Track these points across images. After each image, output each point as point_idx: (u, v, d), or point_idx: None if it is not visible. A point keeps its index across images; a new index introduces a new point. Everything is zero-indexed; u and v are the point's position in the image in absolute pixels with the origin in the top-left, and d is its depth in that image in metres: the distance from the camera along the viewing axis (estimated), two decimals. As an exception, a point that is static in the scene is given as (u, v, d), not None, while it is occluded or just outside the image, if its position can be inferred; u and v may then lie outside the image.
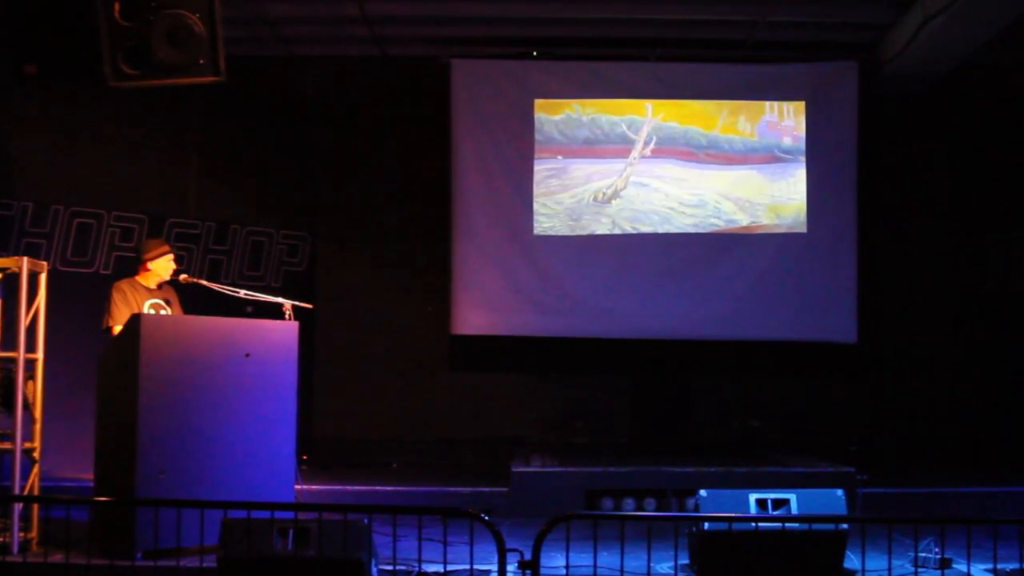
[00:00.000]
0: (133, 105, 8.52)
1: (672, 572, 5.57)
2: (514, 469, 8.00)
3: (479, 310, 9.67)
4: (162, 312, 6.61)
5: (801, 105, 9.73)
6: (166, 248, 6.86)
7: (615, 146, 9.77)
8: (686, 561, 5.68)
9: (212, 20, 6.38)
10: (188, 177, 9.30)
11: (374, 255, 10.28)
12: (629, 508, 7.83)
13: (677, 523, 5.70)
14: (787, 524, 5.28)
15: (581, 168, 9.77)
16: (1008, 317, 9.93)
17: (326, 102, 10.26)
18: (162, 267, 6.74)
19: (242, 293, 6.90)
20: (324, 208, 10.32)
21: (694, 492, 5.74)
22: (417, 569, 5.36)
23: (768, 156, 9.75)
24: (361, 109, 10.33)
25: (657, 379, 10.18)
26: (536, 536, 4.83)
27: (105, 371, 6.22)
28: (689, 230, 9.74)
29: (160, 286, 6.77)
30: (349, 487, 7.85)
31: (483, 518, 4.86)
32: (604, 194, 9.75)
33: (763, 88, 9.75)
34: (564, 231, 9.75)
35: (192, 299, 7.06)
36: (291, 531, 4.94)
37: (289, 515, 5.22)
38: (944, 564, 5.55)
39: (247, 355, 6.05)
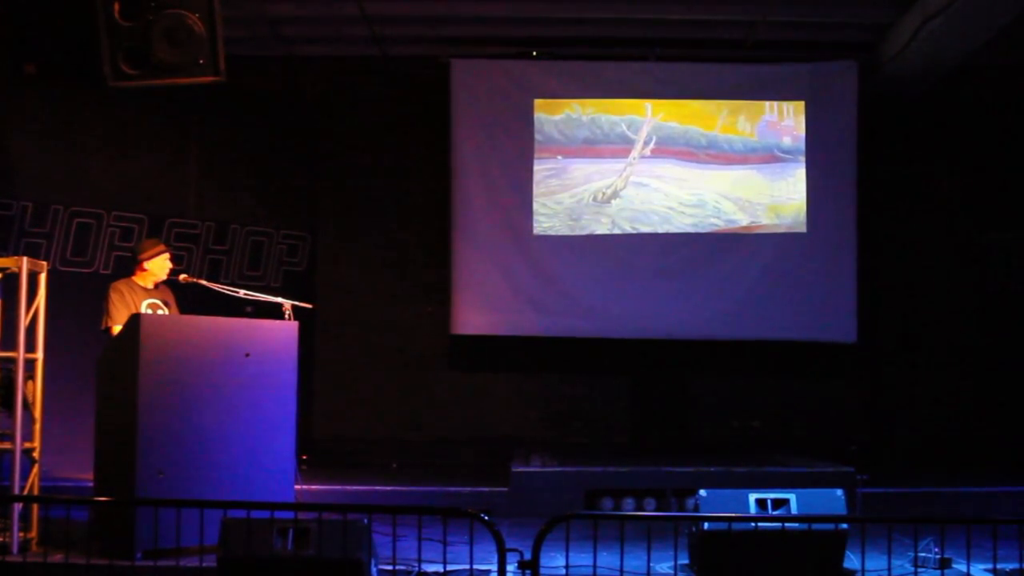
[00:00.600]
0: (133, 105, 8.53)
1: (672, 572, 5.57)
2: (514, 469, 8.00)
3: (479, 310, 9.67)
4: (159, 312, 6.61)
5: (801, 105, 9.73)
6: (162, 248, 6.86)
7: (615, 146, 9.77)
8: (686, 561, 5.68)
9: (212, 20, 6.39)
10: (188, 177, 9.30)
11: (374, 255, 10.29)
12: (629, 508, 7.83)
13: (677, 523, 5.69)
14: (787, 524, 5.28)
15: (581, 168, 9.77)
16: (1008, 317, 9.93)
17: (326, 102, 10.27)
18: (159, 267, 6.74)
19: (242, 293, 6.90)
20: (324, 208, 10.33)
21: (694, 492, 5.74)
22: (417, 569, 5.36)
23: (768, 156, 9.75)
24: (361, 109, 10.34)
25: (657, 379, 10.18)
26: (536, 536, 4.82)
27: (105, 371, 6.22)
28: (689, 230, 9.74)
29: (157, 286, 6.77)
30: (349, 487, 7.86)
31: (483, 518, 4.85)
32: (604, 194, 9.75)
33: (763, 88, 9.75)
34: (564, 231, 9.75)
35: (192, 299, 7.07)
36: (291, 531, 4.94)
37: (289, 515, 5.22)
38: (944, 564, 5.55)
39: (247, 355, 6.05)
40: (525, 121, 9.76)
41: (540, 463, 8.27)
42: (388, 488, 7.95)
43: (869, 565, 5.45)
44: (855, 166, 9.59)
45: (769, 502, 5.51)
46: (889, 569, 5.14)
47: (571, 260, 9.69)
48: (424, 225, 10.17)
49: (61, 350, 6.81)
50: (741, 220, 9.75)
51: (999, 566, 5.25)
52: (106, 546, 5.71)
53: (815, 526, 5.30)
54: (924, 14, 8.25)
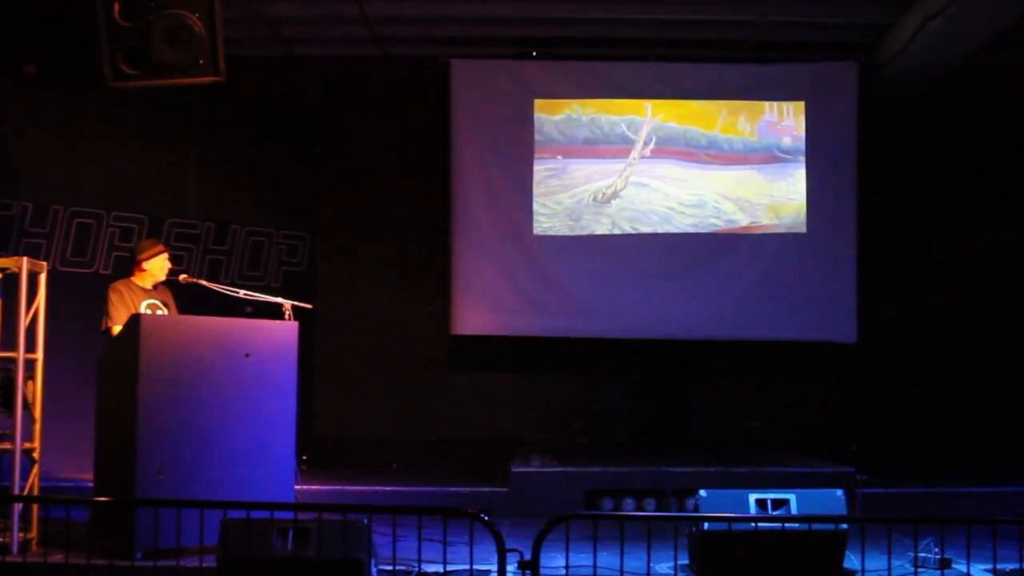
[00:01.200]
0: (133, 105, 8.53)
1: (672, 572, 5.58)
2: (514, 469, 8.01)
3: (479, 310, 9.67)
4: (159, 313, 6.60)
5: (801, 105, 9.73)
6: (161, 248, 6.86)
7: (615, 146, 9.77)
8: (686, 561, 5.68)
9: (212, 20, 6.38)
10: (188, 177, 9.30)
11: (374, 255, 10.28)
12: (629, 508, 7.83)
13: (677, 523, 5.70)
14: (787, 524, 5.28)
15: (581, 168, 9.77)
16: (1008, 317, 9.93)
17: (326, 102, 10.26)
18: (158, 267, 6.74)
19: (242, 293, 6.90)
20: (324, 208, 10.33)
21: (694, 492, 5.74)
22: (417, 569, 5.36)
23: (768, 156, 9.75)
24: (361, 109, 10.33)
25: (657, 379, 10.18)
26: (536, 536, 4.83)
27: (105, 371, 6.22)
28: (689, 230, 9.74)
29: (156, 287, 6.77)
30: (349, 487, 7.86)
31: (483, 518, 4.86)
32: (604, 194, 9.75)
33: (763, 88, 9.74)
34: (564, 231, 9.75)
35: (192, 299, 7.06)
36: (291, 531, 4.94)
37: (289, 515, 5.22)
38: (944, 564, 5.55)
39: (247, 355, 6.05)
40: (525, 121, 9.76)
41: (540, 463, 8.28)
42: (388, 488, 7.95)
43: (869, 565, 5.45)
44: (855, 166, 9.59)
45: (769, 502, 5.51)
46: (889, 569, 5.14)
47: (571, 260, 9.68)
48: (424, 225, 10.17)
49: (61, 350, 6.81)
50: (741, 220, 9.75)
51: (999, 566, 5.25)
52: (106, 546, 5.70)
53: (815, 526, 5.30)
54: (924, 14, 8.25)
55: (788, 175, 9.73)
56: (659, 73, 9.77)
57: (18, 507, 5.88)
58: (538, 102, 9.79)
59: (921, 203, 10.25)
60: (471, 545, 5.18)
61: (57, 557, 5.44)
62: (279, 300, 6.65)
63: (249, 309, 7.27)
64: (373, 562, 5.08)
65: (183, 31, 6.33)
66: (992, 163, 10.07)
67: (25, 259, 6.13)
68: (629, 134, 9.76)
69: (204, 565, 5.08)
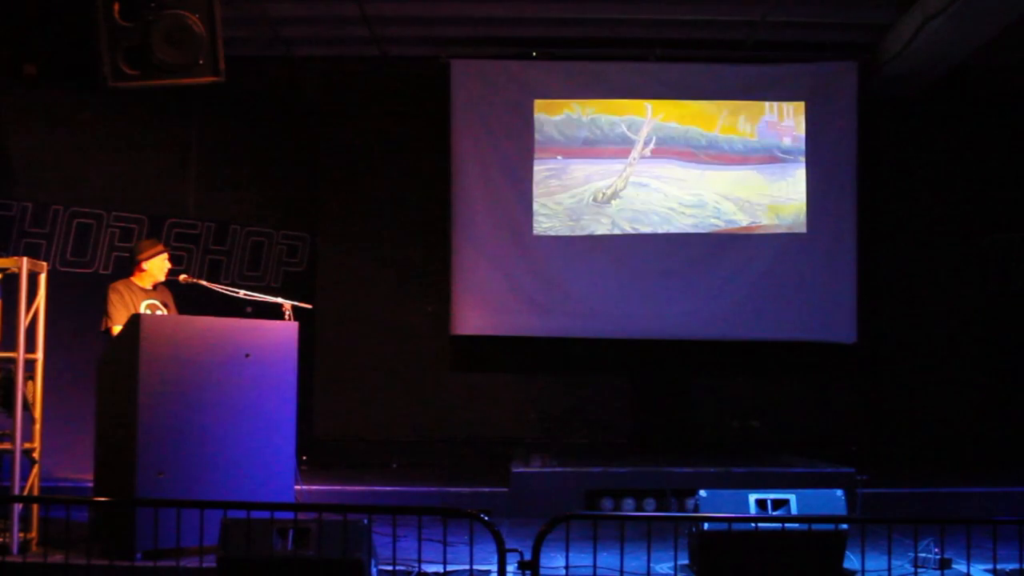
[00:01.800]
0: (133, 105, 8.53)
1: (672, 572, 5.57)
2: (514, 469, 8.00)
3: (479, 310, 9.67)
4: (158, 313, 6.60)
5: (801, 105, 9.73)
6: (160, 248, 6.85)
7: (615, 146, 9.77)
8: (686, 561, 5.68)
9: (212, 20, 6.38)
10: (188, 177, 9.30)
11: (374, 255, 10.29)
12: (629, 508, 7.83)
13: (677, 523, 5.69)
14: (787, 524, 5.28)
15: (581, 168, 9.77)
16: (1008, 317, 9.93)
17: (326, 102, 10.26)
18: (157, 267, 6.74)
19: (242, 293, 6.90)
20: (324, 208, 10.33)
21: (694, 492, 5.73)
22: (417, 569, 5.36)
23: (768, 156, 9.75)
24: (361, 109, 10.34)
25: (657, 379, 10.18)
26: (536, 536, 4.83)
27: (105, 371, 6.22)
28: (689, 230, 9.74)
29: (156, 287, 6.77)
30: (349, 487, 7.85)
31: (483, 518, 4.85)
32: (604, 194, 9.75)
33: (763, 88, 9.75)
34: (564, 231, 9.75)
35: (192, 299, 7.06)
36: (291, 531, 4.94)
37: (289, 515, 5.22)
38: (944, 564, 5.55)
39: (247, 355, 6.04)
40: (525, 121, 9.76)
41: (540, 463, 8.27)
42: (388, 488, 7.95)
43: (869, 565, 5.46)
44: (855, 166, 9.59)
45: (769, 502, 5.51)
46: (889, 569, 5.14)
47: (571, 260, 9.68)
48: (424, 225, 10.17)
49: (61, 350, 6.81)
50: (741, 220, 9.75)
51: (999, 566, 5.25)
52: (106, 546, 5.70)
53: (815, 526, 5.29)
54: (924, 14, 8.25)
55: (788, 175, 9.74)
56: (659, 73, 9.77)
57: (18, 507, 5.88)
58: (538, 102, 9.79)
59: (921, 203, 10.25)
60: (471, 545, 5.18)
61: (57, 557, 5.43)
62: (279, 300, 6.64)
63: (249, 309, 7.27)
64: (373, 562, 5.08)
65: (183, 31, 6.33)
66: (992, 163, 10.07)
67: (25, 259, 6.12)
68: (629, 134, 9.77)
69: (204, 565, 5.08)
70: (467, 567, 5.23)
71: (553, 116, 9.80)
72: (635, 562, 5.38)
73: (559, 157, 9.79)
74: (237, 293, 6.90)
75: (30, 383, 6.16)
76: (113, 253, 8.66)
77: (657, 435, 9.96)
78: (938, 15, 8.09)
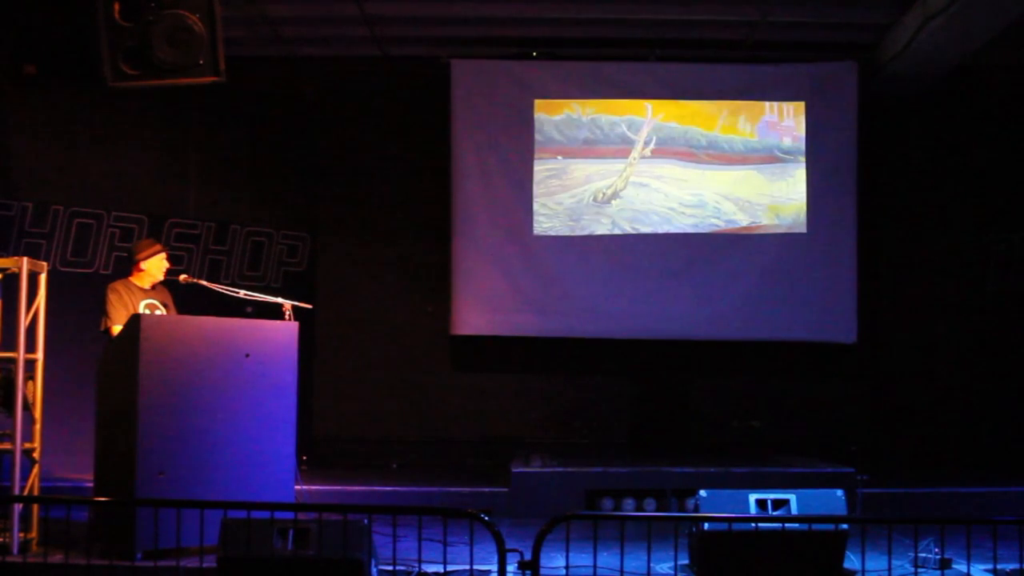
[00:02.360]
0: (133, 105, 8.53)
1: (672, 572, 5.58)
2: (514, 469, 8.01)
3: (479, 310, 9.67)
4: (157, 313, 6.60)
5: (801, 105, 9.72)
6: (159, 248, 6.85)
7: (615, 146, 9.77)
8: (686, 561, 5.68)
9: (212, 20, 6.39)
10: (188, 177, 9.30)
11: (374, 255, 10.28)
12: (629, 508, 7.83)
13: (677, 523, 5.69)
14: (787, 524, 5.28)
15: (581, 168, 9.77)
16: (1008, 317, 9.93)
17: (326, 102, 10.26)
18: (155, 267, 6.73)
19: (242, 293, 6.90)
20: (324, 208, 10.32)
21: (694, 492, 5.74)
22: (417, 569, 5.36)
23: (768, 156, 9.75)
24: (361, 109, 10.33)
25: (657, 379, 10.18)
26: (536, 536, 4.82)
27: (105, 371, 6.22)
28: (689, 230, 9.74)
29: (154, 287, 6.76)
30: (349, 487, 7.85)
31: (483, 518, 4.85)
32: (604, 194, 9.75)
33: (763, 88, 9.74)
34: (564, 231, 9.75)
35: (192, 299, 7.06)
36: (291, 531, 4.94)
37: (289, 515, 5.22)
38: (944, 564, 5.55)
39: (247, 355, 6.04)
40: (525, 121, 9.75)
41: (540, 463, 8.28)
42: (388, 488, 7.96)
43: (869, 565, 5.46)
44: (855, 166, 9.58)
45: (769, 502, 5.51)
46: (889, 569, 5.14)
47: (571, 260, 9.68)
48: (424, 225, 10.16)
49: (61, 350, 6.81)
50: (741, 220, 9.75)
51: (999, 566, 5.25)
52: (106, 546, 5.70)
53: (815, 526, 5.30)
54: (924, 14, 8.25)
55: (788, 175, 9.73)
56: (659, 73, 9.77)
57: (18, 507, 5.88)
58: (538, 102, 9.78)
59: (921, 203, 10.24)
60: (471, 545, 5.18)
61: (57, 557, 5.44)
62: (279, 300, 6.64)
63: (249, 309, 7.27)
64: (373, 562, 5.08)
65: (183, 31, 6.34)
66: (992, 163, 10.06)
67: (25, 259, 6.13)
68: (629, 134, 9.76)
69: (204, 565, 5.08)
70: (467, 567, 5.23)
71: (553, 116, 9.80)
72: (635, 562, 5.38)
73: (559, 157, 9.79)
74: (237, 293, 6.90)
75: (30, 383, 6.17)
76: (113, 253, 8.67)
77: (657, 435, 9.96)
78: (938, 15, 8.09)
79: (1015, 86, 9.83)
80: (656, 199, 9.75)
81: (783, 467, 8.19)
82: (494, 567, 4.88)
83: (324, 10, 8.94)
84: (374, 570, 5.10)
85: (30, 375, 6.18)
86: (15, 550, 5.84)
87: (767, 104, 9.74)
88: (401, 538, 5.18)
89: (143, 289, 6.69)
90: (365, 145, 10.33)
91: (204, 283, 6.96)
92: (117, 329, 6.27)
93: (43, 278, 6.35)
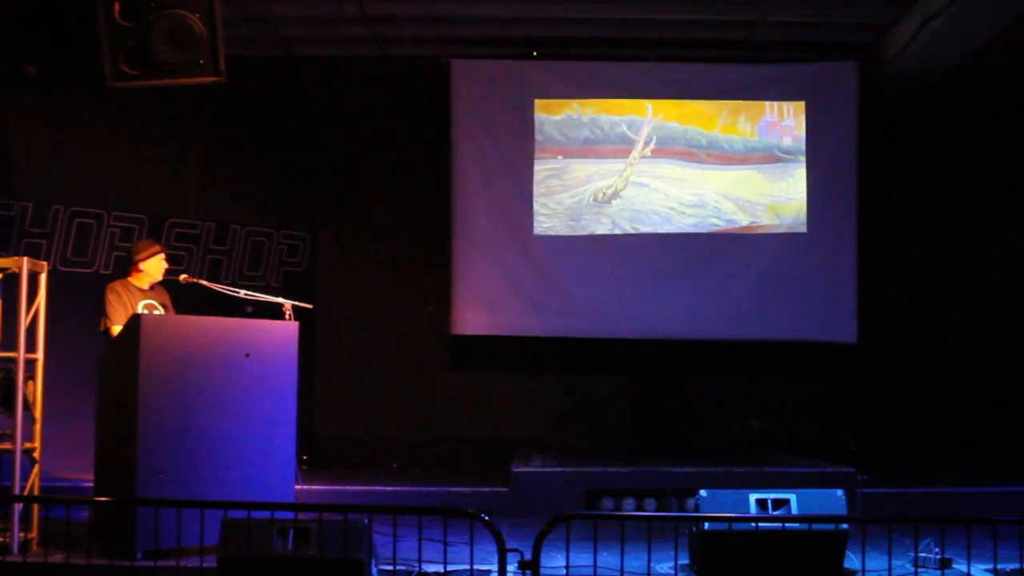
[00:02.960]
0: (133, 105, 8.52)
1: (672, 572, 5.57)
2: (514, 469, 8.01)
3: (479, 310, 9.67)
4: (155, 313, 6.59)
5: (801, 105, 9.73)
6: (157, 248, 6.85)
7: (615, 146, 9.77)
8: (686, 561, 5.68)
9: (212, 20, 6.39)
10: (188, 177, 9.30)
11: (374, 255, 10.28)
12: (629, 508, 7.83)
13: (677, 523, 5.70)
14: (787, 524, 5.28)
15: (581, 168, 9.77)
16: (1009, 317, 9.93)
17: (326, 102, 10.26)
18: (154, 267, 6.73)
19: (242, 293, 6.90)
20: (324, 208, 10.33)
21: (694, 492, 5.74)
22: (417, 569, 5.36)
23: (768, 156, 9.75)
24: (361, 109, 10.33)
25: (657, 379, 10.18)
26: (536, 536, 4.82)
27: (105, 371, 6.22)
28: (689, 230, 9.74)
29: (153, 287, 6.76)
30: (349, 487, 7.85)
31: (483, 518, 4.85)
32: (604, 194, 9.75)
33: (763, 88, 9.75)
34: (564, 231, 9.75)
35: (192, 299, 7.06)
36: (291, 531, 4.94)
37: (289, 515, 5.22)
38: (944, 564, 5.55)
39: (247, 355, 6.04)
40: (525, 121, 9.76)
41: (540, 463, 8.28)
42: (388, 488, 7.95)
43: (869, 565, 5.46)
44: (855, 166, 9.58)
45: (769, 502, 5.51)
46: (890, 569, 5.14)
47: (571, 260, 9.68)
48: (424, 225, 10.17)
49: (61, 350, 6.80)
50: (741, 220, 9.75)
51: (999, 566, 5.25)
52: (106, 546, 5.71)
53: (815, 526, 5.29)
54: (924, 14, 8.25)
55: (788, 175, 9.73)
56: (659, 73, 9.77)
57: (18, 507, 5.88)
58: (538, 102, 9.79)
59: (921, 203, 10.24)
60: (471, 545, 5.18)
61: (57, 557, 5.44)
62: (279, 300, 6.64)
63: (249, 309, 7.27)
64: (373, 562, 5.08)
65: (183, 31, 6.33)
66: (992, 163, 10.06)
67: (25, 259, 6.13)
68: (629, 134, 9.76)
69: (204, 565, 5.08)
70: (467, 567, 5.23)
71: (553, 116, 9.79)
72: (635, 562, 5.38)
73: (559, 157, 9.79)
74: (237, 293, 6.90)
75: (30, 383, 6.17)
76: (113, 253, 8.66)
77: (657, 435, 9.96)
78: (938, 15, 8.09)
79: (1015, 86, 9.84)
80: (656, 199, 9.75)
81: (783, 467, 8.18)
82: (494, 567, 4.88)
83: (324, 10, 8.95)
84: (374, 570, 5.09)
85: (30, 375, 6.18)
86: (15, 550, 5.83)
87: (767, 104, 9.74)
88: (401, 538, 5.17)
89: (142, 289, 6.69)
90: (365, 145, 10.33)
91: (204, 283, 6.96)
92: (117, 329, 6.27)
93: (43, 278, 6.34)
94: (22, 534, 5.95)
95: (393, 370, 10.14)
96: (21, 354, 6.06)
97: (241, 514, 4.98)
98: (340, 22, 9.15)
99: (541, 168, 9.78)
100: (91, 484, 6.33)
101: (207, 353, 5.96)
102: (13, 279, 6.15)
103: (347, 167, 10.34)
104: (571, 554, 5.04)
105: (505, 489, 7.87)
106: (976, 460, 9.53)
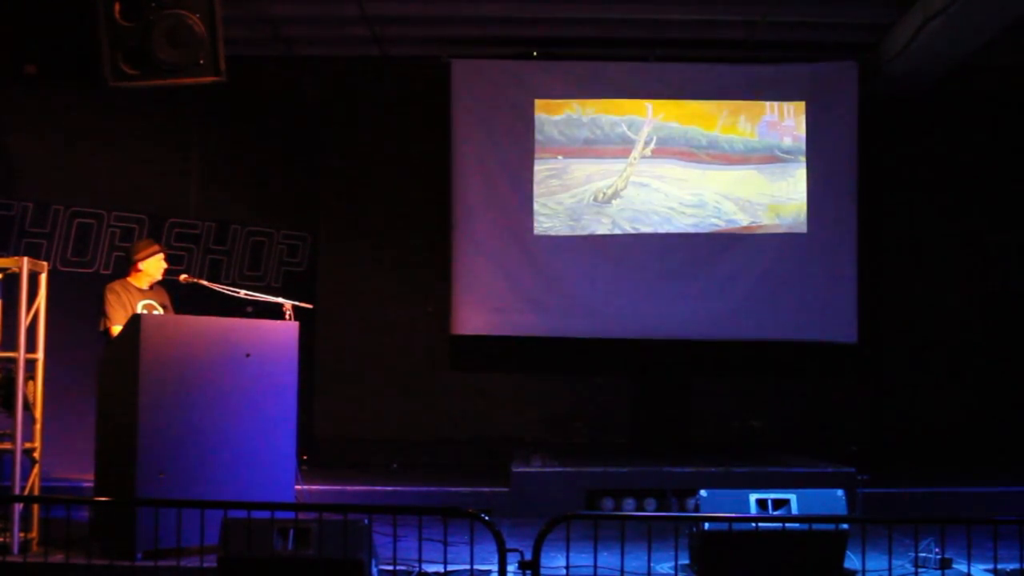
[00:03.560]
0: (133, 105, 8.52)
1: (672, 572, 5.58)
2: (514, 469, 8.01)
3: (479, 310, 9.67)
4: (155, 313, 6.59)
5: (801, 105, 9.72)
6: (156, 248, 6.85)
7: (615, 146, 9.77)
8: (686, 561, 5.68)
9: (212, 20, 6.39)
10: (188, 177, 9.30)
11: (374, 255, 10.29)
12: (629, 508, 7.83)
13: (677, 523, 5.70)
14: (787, 524, 5.28)
15: (581, 168, 9.76)
16: (1009, 317, 9.93)
17: (326, 102, 10.26)
18: (153, 267, 6.73)
19: (242, 293, 6.90)
20: (324, 208, 10.33)
21: (694, 492, 5.74)
22: (417, 569, 5.36)
23: (768, 156, 9.74)
24: (361, 109, 10.33)
25: (657, 379, 10.18)
26: (536, 536, 4.82)
27: (105, 371, 6.22)
28: (689, 230, 9.74)
29: (152, 287, 6.76)
30: (349, 487, 7.85)
31: (483, 518, 4.85)
32: (604, 194, 9.75)
33: (763, 88, 9.74)
34: (564, 231, 9.75)
35: (192, 299, 7.06)
36: (291, 531, 4.94)
37: (289, 515, 5.22)
38: (944, 564, 5.55)
39: (247, 355, 6.05)
40: (525, 121, 9.75)
41: (540, 463, 8.28)
42: (388, 488, 7.95)
43: (870, 565, 5.46)
44: (855, 166, 9.58)
45: (770, 502, 5.51)
46: (890, 569, 5.14)
47: (571, 260, 9.68)
48: (424, 225, 10.17)
49: (61, 350, 6.81)
50: (741, 220, 9.75)
51: (999, 566, 5.25)
52: (106, 546, 5.71)
53: (816, 526, 5.30)
54: (924, 14, 8.25)
55: (788, 175, 9.73)
56: (659, 73, 9.77)
57: (19, 507, 5.88)
58: (538, 102, 9.78)
59: (921, 203, 10.25)
60: (471, 545, 5.18)
61: (58, 557, 5.44)
62: (280, 300, 6.64)
63: (250, 309, 7.27)
64: (373, 562, 5.08)
65: (183, 31, 6.33)
66: (992, 163, 10.07)
67: (25, 259, 6.13)
68: (629, 134, 9.76)
69: (205, 565, 5.08)
70: (467, 567, 5.23)
71: (553, 116, 9.79)
72: (636, 562, 5.38)
73: (559, 157, 9.79)
74: (238, 293, 6.90)
75: (30, 383, 6.17)
76: (113, 253, 8.66)
77: (657, 435, 9.96)
78: (938, 15, 8.09)
79: (1015, 86, 9.84)
80: (656, 199, 9.74)
81: (783, 467, 8.19)
82: (494, 567, 4.88)
83: (324, 10, 8.94)
84: (374, 570, 5.10)
85: (30, 375, 6.19)
86: (15, 550, 5.84)
87: (767, 104, 9.74)
88: (401, 538, 5.17)
89: (141, 290, 6.69)
90: (365, 145, 10.33)
91: (204, 283, 6.96)
92: (116, 329, 6.28)
93: (43, 278, 6.35)
94: (22, 534, 5.95)
95: (393, 370, 10.14)
96: (21, 354, 6.06)
97: (241, 514, 4.98)
98: (340, 22, 9.14)
99: (541, 168, 9.77)
100: (91, 484, 6.33)
101: (207, 353, 5.96)
102: (13, 279, 6.16)
103: (347, 167, 10.34)
104: (571, 554, 5.04)
105: (505, 489, 7.87)
106: (976, 460, 9.53)
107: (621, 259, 9.69)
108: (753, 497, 5.52)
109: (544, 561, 4.86)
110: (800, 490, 5.66)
